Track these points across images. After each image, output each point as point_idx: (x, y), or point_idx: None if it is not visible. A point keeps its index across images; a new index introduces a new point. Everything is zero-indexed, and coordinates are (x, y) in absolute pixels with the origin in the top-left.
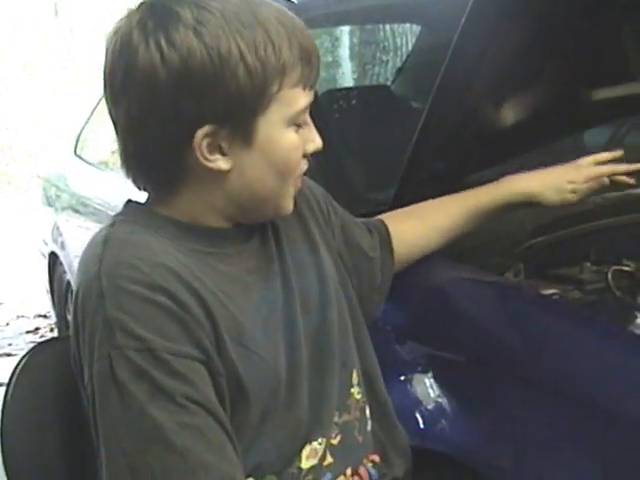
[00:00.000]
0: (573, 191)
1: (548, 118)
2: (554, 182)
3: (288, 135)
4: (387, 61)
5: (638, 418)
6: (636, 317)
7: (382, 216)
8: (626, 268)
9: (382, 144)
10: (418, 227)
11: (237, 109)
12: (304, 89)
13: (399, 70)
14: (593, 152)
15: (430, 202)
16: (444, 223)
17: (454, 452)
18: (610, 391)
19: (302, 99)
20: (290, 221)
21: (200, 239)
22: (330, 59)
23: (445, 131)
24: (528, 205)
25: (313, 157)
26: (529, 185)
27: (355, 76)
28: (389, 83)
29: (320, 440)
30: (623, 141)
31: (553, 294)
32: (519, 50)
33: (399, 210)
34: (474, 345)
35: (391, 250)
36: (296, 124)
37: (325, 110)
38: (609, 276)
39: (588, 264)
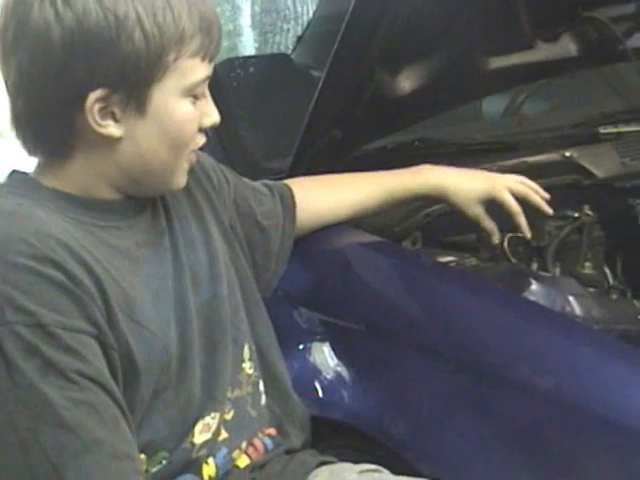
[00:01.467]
0: (481, 202)
1: (445, 86)
2: (469, 188)
3: (184, 106)
4: (288, 29)
5: (531, 384)
6: (531, 284)
7: (296, 180)
8: (521, 235)
9: (281, 113)
10: (329, 198)
11: (131, 74)
12: (203, 60)
13: (299, 38)
14: (491, 120)
15: (347, 176)
16: (356, 199)
17: (353, 420)
18: (504, 357)
19: (200, 70)
20: (179, 197)
21: (90, 212)
22: (231, 27)
23: (342, 100)
24: (439, 200)
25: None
26: (445, 183)
27: (256, 45)
28: (290, 51)
29: (213, 415)
30: (520, 109)
31: (450, 262)
32: (415, 18)
33: (314, 178)
34: (372, 313)
35: (293, 217)
36: (193, 95)
37: (223, 79)
38: (505, 243)
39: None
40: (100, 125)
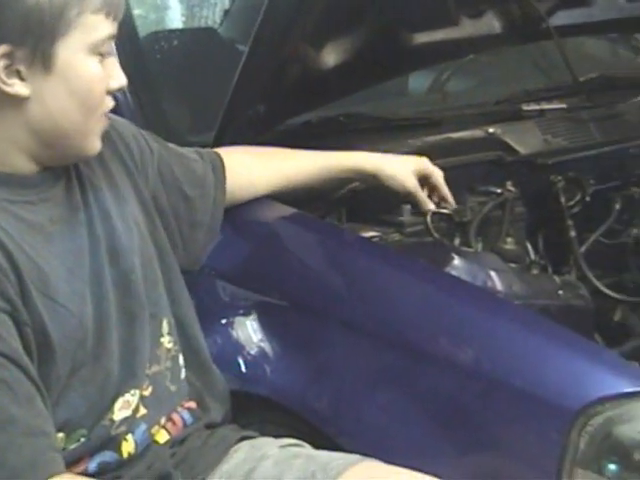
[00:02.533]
0: (414, 175)
1: (369, 61)
2: (403, 161)
3: (90, 64)
4: (215, 3)
5: (452, 358)
6: (453, 259)
7: (228, 149)
8: (444, 211)
9: (206, 87)
10: (262, 168)
11: (35, 29)
12: (107, 17)
13: (226, 12)
14: (416, 96)
15: (280, 149)
16: (289, 171)
17: (275, 395)
18: (425, 332)
19: (104, 27)
20: (94, 168)
21: (2, 187)
22: (158, 1)
23: (265, 74)
24: (374, 175)
25: (134, 99)
26: (379, 158)
27: (184, 18)
28: (217, 26)
29: (133, 392)
30: (444, 86)
31: (373, 237)
32: None
33: (246, 148)
34: (295, 289)
35: (224, 186)
36: (100, 54)
37: (148, 52)
38: (428, 219)
39: (408, 207)
40: (6, 84)
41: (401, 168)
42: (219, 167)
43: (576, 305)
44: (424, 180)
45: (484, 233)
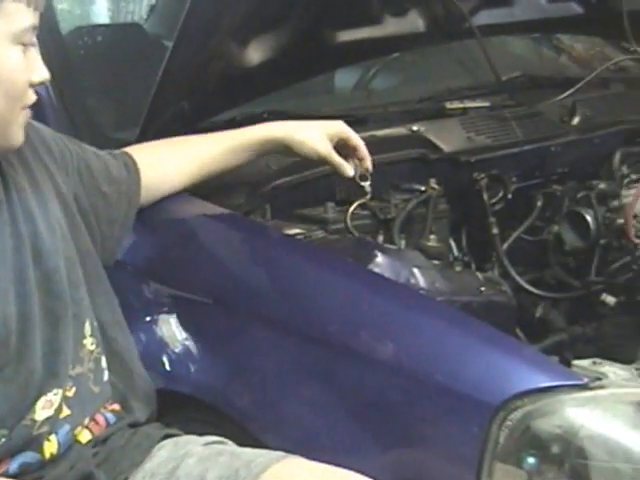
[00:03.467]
0: (328, 138)
1: (294, 59)
2: (315, 125)
3: (13, 53)
4: None
5: (374, 354)
6: (376, 256)
7: (135, 147)
8: (363, 201)
9: (130, 83)
10: (173, 158)
11: None
12: (27, 6)
13: (152, 8)
14: (342, 94)
15: (185, 137)
16: (203, 159)
17: (199, 393)
18: (347, 328)
19: (26, 16)
20: (17, 169)
21: None
22: None
23: (190, 70)
24: (285, 145)
25: (58, 96)
26: (290, 125)
27: (110, 13)
28: (143, 21)
29: (55, 392)
30: (370, 84)
31: (297, 234)
32: None
33: (153, 142)
34: (218, 286)
35: (138, 182)
36: (22, 44)
37: (72, 48)
38: (347, 217)
39: (332, 204)
40: None
41: (312, 133)
42: (131, 165)
43: (498, 302)
44: (342, 146)
45: (408, 230)
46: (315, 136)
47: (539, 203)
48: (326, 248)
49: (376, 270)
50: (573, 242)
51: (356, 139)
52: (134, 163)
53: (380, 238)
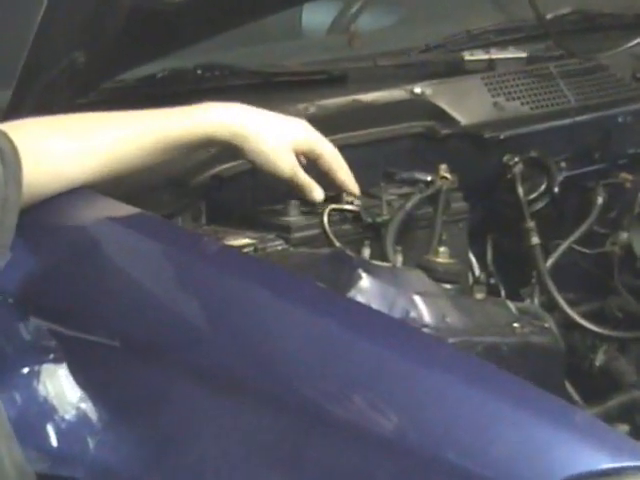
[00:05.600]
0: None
1: None
2: (279, 132)
3: None
4: None
5: (362, 425)
6: (360, 278)
7: (16, 125)
8: (349, 207)
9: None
10: (70, 148)
11: None
12: None
13: None
14: (313, 39)
15: (93, 115)
16: (114, 151)
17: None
18: (323, 387)
19: None
20: None
21: None
22: None
23: (85, 9)
24: (234, 150)
25: None
26: (244, 123)
27: None
28: None
29: None
30: (352, 25)
31: (246, 246)
32: None
33: (43, 120)
34: (128, 323)
35: (18, 178)
36: None
37: None
38: (325, 219)
39: (296, 202)
40: None
41: (273, 142)
42: (9, 153)
43: (539, 344)
44: (311, 161)
45: (407, 240)
46: (277, 147)
47: (600, 199)
48: (288, 267)
49: (360, 299)
50: None
51: (331, 156)
52: (13, 150)
53: (367, 252)
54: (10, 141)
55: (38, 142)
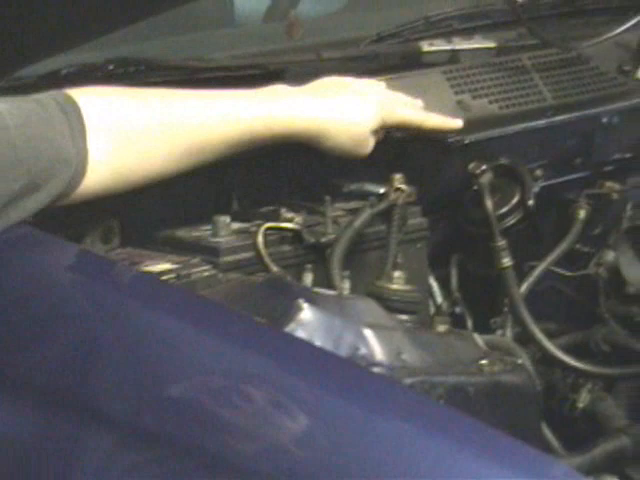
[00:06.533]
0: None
1: None
2: (358, 121)
3: None
4: None
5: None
6: (300, 309)
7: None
8: (288, 225)
9: None
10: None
11: None
12: None
13: None
14: (246, 28)
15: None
16: (200, 141)
17: None
18: (237, 441)
19: None
20: None
21: None
22: None
23: None
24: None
25: None
26: (322, 115)
27: None
28: None
29: None
30: (292, 12)
31: (166, 272)
32: None
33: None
34: (30, 364)
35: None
36: None
37: None
38: (259, 239)
39: (226, 219)
40: None
41: (354, 135)
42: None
43: (511, 384)
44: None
45: (355, 263)
46: (356, 141)
47: (582, 213)
48: (215, 297)
49: (301, 334)
50: None
51: (411, 118)
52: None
53: (309, 277)
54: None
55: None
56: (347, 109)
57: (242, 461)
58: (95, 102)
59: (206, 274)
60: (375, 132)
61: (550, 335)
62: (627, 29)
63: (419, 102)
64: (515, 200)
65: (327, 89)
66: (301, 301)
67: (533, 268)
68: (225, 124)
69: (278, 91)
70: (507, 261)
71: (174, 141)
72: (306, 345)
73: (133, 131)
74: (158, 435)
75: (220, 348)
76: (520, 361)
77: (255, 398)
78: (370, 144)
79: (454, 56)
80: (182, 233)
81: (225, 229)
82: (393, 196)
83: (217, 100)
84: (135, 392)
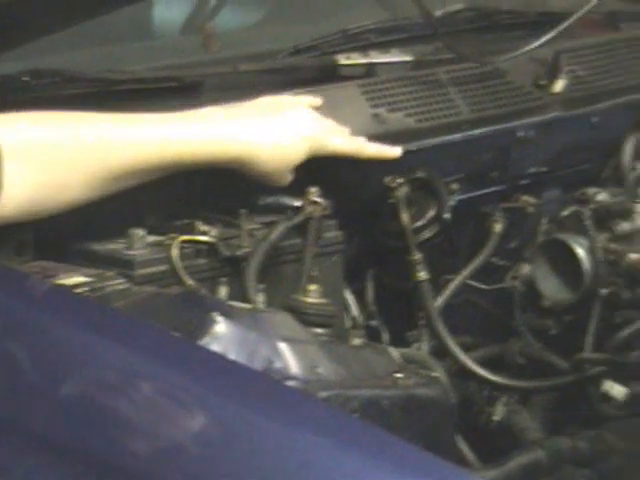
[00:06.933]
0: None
1: None
2: (286, 151)
3: None
4: None
5: None
6: (214, 322)
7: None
8: (204, 238)
9: None
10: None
11: None
12: None
13: None
14: (163, 40)
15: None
16: (122, 168)
17: None
18: (160, 458)
19: None
20: None
21: None
22: None
23: None
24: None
25: None
26: (254, 142)
27: None
28: None
29: None
30: (210, 24)
31: (79, 285)
32: None
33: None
34: None
35: None
36: None
37: None
38: (174, 252)
39: (141, 232)
40: None
41: (281, 162)
42: None
43: (426, 397)
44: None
45: (271, 276)
46: (280, 172)
47: (498, 227)
48: (129, 310)
49: (215, 347)
50: (555, 293)
51: (344, 147)
52: None
53: (224, 291)
54: None
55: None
56: (279, 141)
57: (137, 463)
58: (10, 129)
59: (120, 287)
60: (300, 162)
61: (466, 348)
62: (542, 44)
63: (346, 130)
64: (431, 214)
65: (261, 114)
66: (215, 314)
67: (449, 281)
68: (151, 150)
69: (210, 115)
70: (423, 274)
71: (94, 168)
72: (219, 358)
73: (50, 158)
74: (50, 439)
75: (131, 359)
76: (435, 374)
77: (168, 409)
78: (290, 176)
79: (371, 69)
80: (97, 246)
81: (140, 242)
82: (309, 209)
83: (143, 125)
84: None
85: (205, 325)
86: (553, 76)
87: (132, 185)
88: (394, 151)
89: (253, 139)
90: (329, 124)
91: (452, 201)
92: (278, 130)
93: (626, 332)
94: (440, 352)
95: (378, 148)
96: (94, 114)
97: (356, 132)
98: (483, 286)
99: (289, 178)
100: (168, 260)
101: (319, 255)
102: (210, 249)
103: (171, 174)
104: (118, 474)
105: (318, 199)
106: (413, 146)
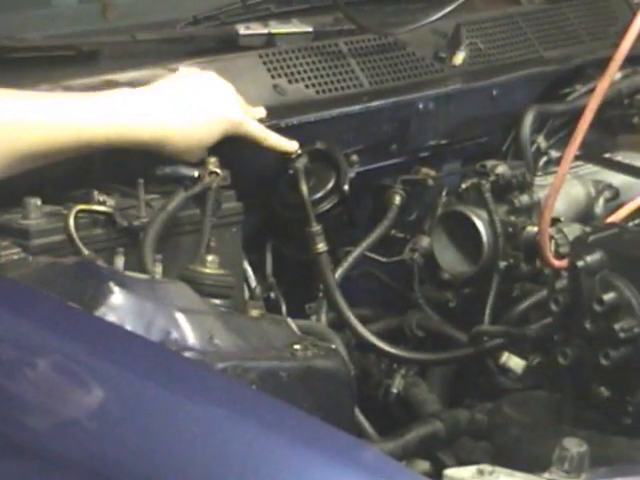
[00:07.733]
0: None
1: None
2: (200, 136)
3: None
4: None
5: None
6: (111, 292)
7: None
8: (101, 208)
9: None
10: None
11: None
12: None
13: None
14: (61, 10)
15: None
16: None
17: None
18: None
19: None
20: None
21: None
22: None
23: None
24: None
25: None
26: (169, 128)
27: None
28: None
29: None
30: None
31: None
32: None
33: None
34: None
35: None
36: None
37: None
38: (71, 222)
39: (37, 201)
40: None
41: (193, 145)
42: None
43: (324, 369)
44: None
45: (169, 247)
46: (206, 144)
47: (398, 199)
48: (25, 279)
49: (111, 318)
50: (454, 266)
51: (263, 132)
52: None
53: (120, 261)
54: None
55: None
56: (194, 124)
57: (33, 439)
58: None
59: (16, 257)
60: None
61: (365, 321)
62: (443, 16)
63: (261, 110)
64: (330, 185)
65: (178, 95)
66: (112, 284)
67: (348, 254)
68: (67, 134)
69: (125, 98)
70: (322, 246)
71: (7, 148)
72: (115, 328)
73: None
74: None
75: (25, 331)
76: (334, 346)
77: (52, 376)
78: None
79: (270, 40)
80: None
81: (36, 211)
82: (207, 179)
83: (60, 109)
84: None
85: (101, 295)
86: (454, 48)
87: (45, 164)
88: (291, 145)
89: (166, 123)
90: (243, 106)
91: (351, 173)
92: (193, 113)
93: (524, 305)
94: (339, 324)
95: (279, 140)
96: (10, 92)
97: (256, 103)
98: (382, 258)
99: (203, 156)
100: (64, 230)
101: (218, 226)
102: (107, 219)
103: None
104: (15, 451)
105: (217, 169)
106: (312, 117)
